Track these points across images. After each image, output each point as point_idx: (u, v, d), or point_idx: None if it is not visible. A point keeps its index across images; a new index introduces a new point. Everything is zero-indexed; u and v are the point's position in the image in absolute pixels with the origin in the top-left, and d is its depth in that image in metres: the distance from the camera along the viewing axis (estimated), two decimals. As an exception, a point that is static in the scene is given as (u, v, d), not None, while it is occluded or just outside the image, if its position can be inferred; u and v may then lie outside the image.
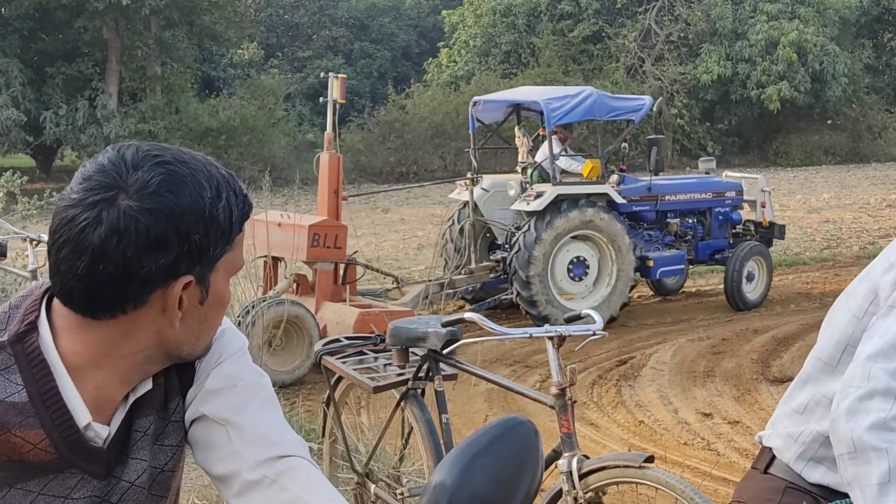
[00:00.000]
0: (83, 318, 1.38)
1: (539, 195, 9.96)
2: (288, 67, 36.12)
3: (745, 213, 11.73)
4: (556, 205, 9.97)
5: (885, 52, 34.52)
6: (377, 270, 10.55)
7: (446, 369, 3.88)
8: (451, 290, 10.32)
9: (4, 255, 6.16)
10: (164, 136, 23.34)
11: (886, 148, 31.17)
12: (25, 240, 6.51)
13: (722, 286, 11.21)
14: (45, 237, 6.36)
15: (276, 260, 9.41)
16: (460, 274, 10.58)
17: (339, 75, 10.09)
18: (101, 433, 1.43)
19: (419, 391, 3.95)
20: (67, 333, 1.40)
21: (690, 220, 11.33)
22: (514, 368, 8.82)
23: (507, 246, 10.44)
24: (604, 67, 30.78)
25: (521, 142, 11.35)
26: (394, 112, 28.34)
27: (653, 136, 11.10)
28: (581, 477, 3.21)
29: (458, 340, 3.71)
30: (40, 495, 1.41)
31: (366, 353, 4.23)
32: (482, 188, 10.87)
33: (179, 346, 1.44)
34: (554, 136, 10.53)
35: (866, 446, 1.84)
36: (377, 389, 3.91)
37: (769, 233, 11.55)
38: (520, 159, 11.28)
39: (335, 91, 9.77)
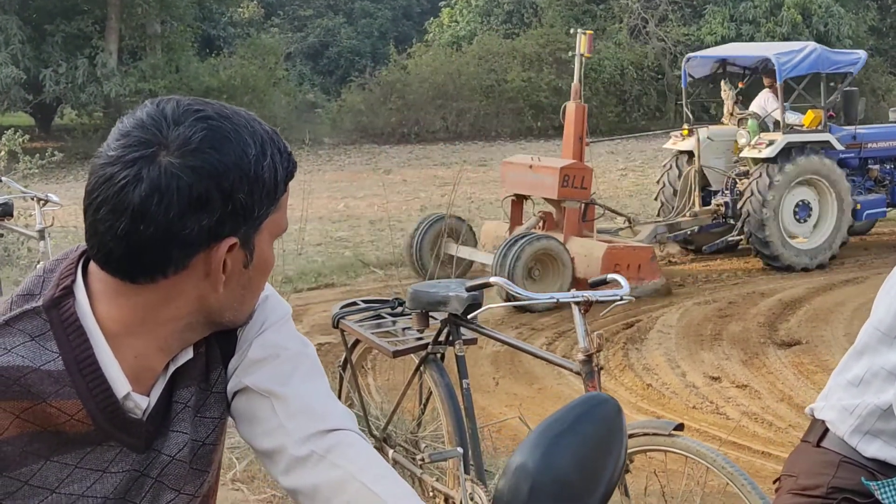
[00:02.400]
0: (122, 283, 1.31)
1: (770, 143, 10.95)
2: (288, 26, 35.87)
3: None
4: (785, 152, 10.93)
5: (890, 14, 34.24)
6: (613, 211, 11.58)
7: (467, 334, 3.83)
8: (677, 232, 11.33)
9: (11, 215, 6.09)
10: (164, 96, 23.17)
11: (889, 110, 31.03)
12: (32, 199, 6.42)
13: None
14: (53, 197, 6.35)
15: (520, 199, 10.72)
16: (685, 216, 11.49)
17: (587, 31, 10.98)
18: (141, 404, 1.37)
19: (439, 356, 3.89)
20: (105, 299, 1.33)
21: (888, 166, 12.19)
22: (520, 331, 8.78)
23: (725, 191, 11.53)
24: (607, 28, 30.53)
25: (727, 95, 12.47)
26: (395, 72, 28.18)
27: (848, 89, 11.94)
28: (607, 444, 3.17)
29: (480, 305, 3.66)
30: (77, 468, 1.34)
31: (383, 317, 4.18)
32: (708, 137, 11.80)
33: (222, 312, 1.38)
34: (770, 89, 12.00)
35: None
36: (397, 354, 3.86)
37: None
38: (726, 111, 12.46)
39: (582, 46, 10.64)
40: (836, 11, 29.32)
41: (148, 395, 1.38)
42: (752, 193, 10.86)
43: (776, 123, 11.54)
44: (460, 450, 3.53)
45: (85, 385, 1.31)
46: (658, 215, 12.07)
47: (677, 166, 12.04)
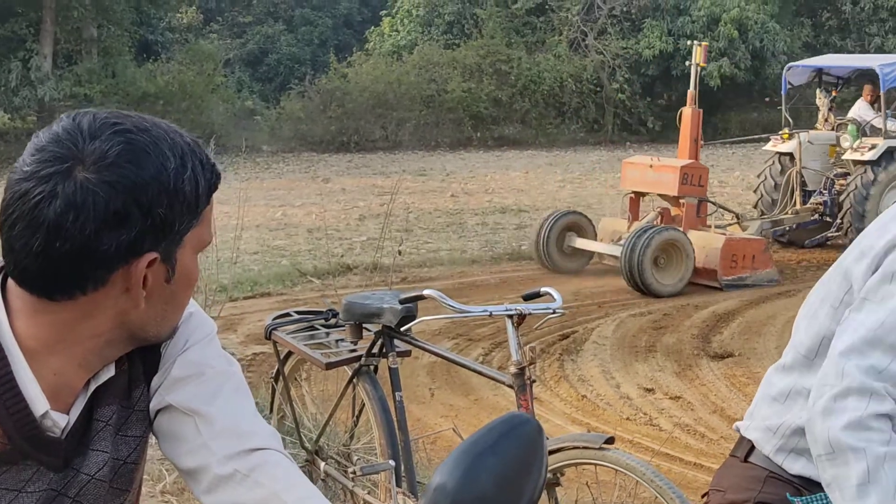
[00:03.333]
0: (39, 300, 1.28)
1: (872, 147, 12.00)
2: (227, 33, 35.62)
3: None
4: (886, 155, 11.96)
5: (824, 31, 34.90)
6: (723, 207, 12.40)
7: (400, 346, 3.82)
8: (778, 228, 12.42)
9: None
10: (99, 101, 22.89)
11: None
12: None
13: None
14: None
15: (638, 195, 11.63)
16: (786, 213, 12.55)
17: (702, 43, 12.04)
18: (60, 422, 1.33)
19: (372, 368, 3.88)
20: (23, 316, 1.30)
21: None
22: (456, 342, 8.78)
23: (823, 191, 12.55)
24: (546, 40, 30.77)
25: (822, 102, 13.55)
26: (335, 80, 28.12)
27: None
28: (538, 457, 3.18)
29: (415, 318, 3.65)
30: None
31: (317, 329, 4.15)
32: (809, 141, 12.78)
33: (144, 327, 1.35)
34: (869, 96, 13.05)
35: (844, 447, 1.80)
36: (330, 366, 3.84)
37: None
38: (821, 117, 13.45)
39: (698, 56, 11.66)
40: (772, 28, 29.82)
41: (67, 414, 1.35)
42: (855, 192, 11.95)
43: (873, 129, 12.62)
44: (392, 462, 3.52)
45: (1, 403, 1.28)
46: (758, 211, 13.11)
47: (780, 164, 13.05)
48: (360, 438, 4.29)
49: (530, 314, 3.35)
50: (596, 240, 11.55)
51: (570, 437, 3.27)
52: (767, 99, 32.03)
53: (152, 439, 1.47)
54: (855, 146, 12.21)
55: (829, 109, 13.43)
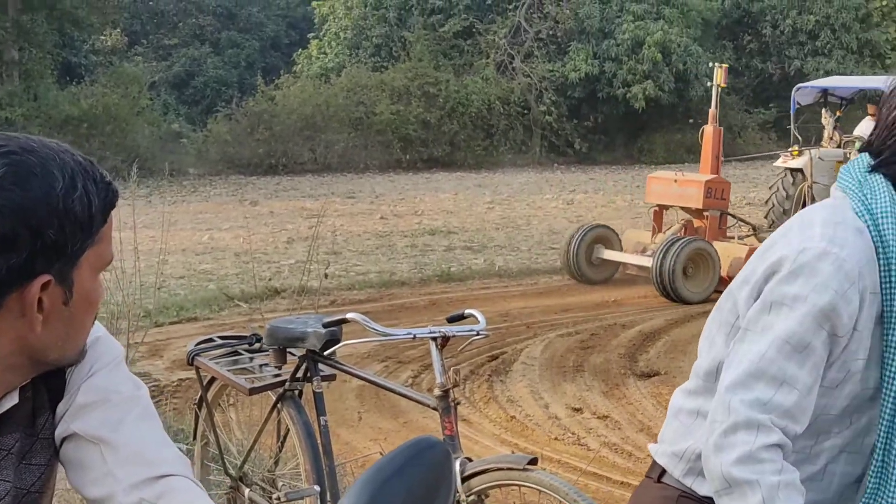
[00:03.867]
0: None
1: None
2: (153, 55, 35.27)
3: None
4: None
5: (745, 54, 35.64)
6: (742, 220, 13.03)
7: (325, 370, 3.79)
8: None
9: None
10: (21, 124, 22.48)
11: (745, 147, 32.10)
12: None
13: None
14: None
15: (661, 209, 12.31)
16: None
17: (723, 65, 12.57)
18: None
19: (297, 392, 3.84)
20: None
21: None
22: (386, 364, 8.75)
23: None
24: (474, 63, 30.97)
25: (827, 121, 14.21)
26: (262, 103, 27.99)
27: None
28: (464, 480, 3.17)
29: (339, 341, 3.62)
30: None
31: (241, 354, 4.11)
32: (819, 157, 13.36)
33: (45, 351, 1.32)
34: (873, 115, 13.30)
35: (738, 481, 1.83)
36: (253, 391, 3.80)
37: None
38: (826, 135, 14.16)
39: (719, 77, 12.21)
40: (695, 51, 30.37)
41: None
42: None
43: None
44: (317, 488, 3.48)
45: None
46: (768, 222, 13.73)
47: (792, 178, 13.74)
48: (287, 463, 4.24)
49: (454, 336, 3.34)
50: (621, 251, 12.15)
51: (494, 458, 3.27)
52: (691, 120, 32.58)
53: (61, 468, 1.44)
54: None
55: (834, 128, 14.20)
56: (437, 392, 3.25)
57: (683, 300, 10.97)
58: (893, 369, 1.94)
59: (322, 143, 27.33)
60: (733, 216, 12.67)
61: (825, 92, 14.42)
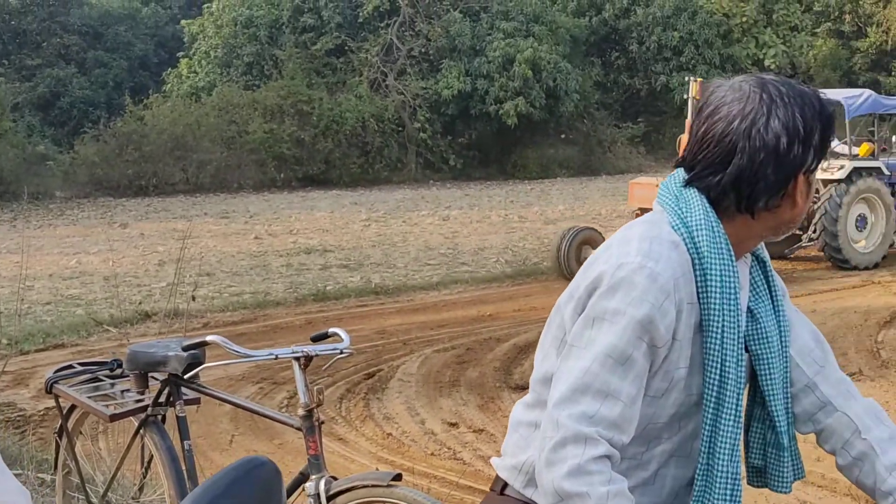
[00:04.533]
0: None
1: (841, 167, 13.78)
2: (15, 76, 34.25)
3: None
4: (853, 174, 13.81)
5: (613, 70, 36.46)
6: None
7: (188, 394, 3.73)
8: None
9: None
10: None
11: (615, 161, 32.88)
12: None
13: None
14: None
15: (642, 211, 12.05)
16: None
17: (698, 79, 13.68)
18: None
19: (160, 417, 3.77)
20: None
21: None
22: (261, 386, 8.65)
23: None
24: (347, 81, 30.97)
25: None
26: (131, 123, 27.45)
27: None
28: (329, 499, 3.15)
29: (200, 364, 3.57)
30: None
31: (102, 380, 4.01)
32: None
33: None
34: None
35: (569, 494, 1.88)
36: (114, 417, 3.71)
37: None
38: None
39: (694, 90, 13.31)
40: (564, 67, 30.91)
41: None
42: (828, 205, 13.75)
43: (833, 153, 14.35)
44: (182, 514, 3.42)
45: None
46: None
47: None
48: (156, 490, 4.16)
49: (317, 355, 3.33)
50: None
51: (358, 476, 3.26)
52: (563, 135, 33.20)
53: None
54: (825, 168, 13.75)
55: None
56: (300, 412, 3.22)
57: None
58: (713, 375, 2.01)
59: (194, 163, 26.93)
60: None
61: None
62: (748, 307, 2.14)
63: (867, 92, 14.75)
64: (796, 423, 2.27)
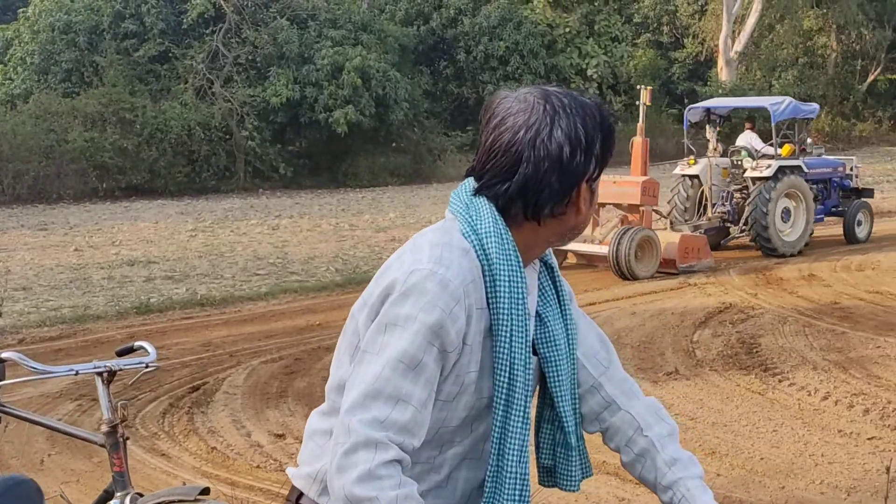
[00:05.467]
0: None
1: (769, 166, 15.34)
2: None
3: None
4: (779, 172, 15.39)
5: (442, 79, 36.83)
6: (661, 214, 15.75)
7: (-14, 413, 3.56)
8: (700, 231, 15.42)
9: None
10: None
11: (445, 169, 33.17)
12: None
13: None
14: None
15: (599, 206, 13.74)
16: (701, 221, 15.97)
17: (648, 87, 15.55)
18: None
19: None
20: None
21: (820, 186, 16.76)
22: (80, 403, 8.36)
23: (725, 203, 16.07)
24: (172, 88, 30.31)
25: (711, 135, 16.85)
26: (-60, 132, 26.16)
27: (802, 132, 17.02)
28: (137, 516, 3.07)
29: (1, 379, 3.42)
30: None
31: None
32: (716, 164, 16.20)
33: None
34: (751, 129, 17.21)
35: (359, 499, 1.91)
36: None
37: (861, 193, 17.41)
38: (710, 147, 16.75)
39: (645, 97, 14.95)
40: (393, 76, 31.03)
41: None
42: (758, 200, 15.18)
43: (758, 154, 16.23)
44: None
45: None
46: (668, 220, 16.15)
47: (690, 182, 16.38)
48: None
49: (121, 370, 3.23)
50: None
51: (164, 492, 3.18)
52: (394, 144, 33.31)
53: None
54: (754, 166, 15.63)
55: (717, 140, 16.94)
56: (103, 428, 3.12)
57: (636, 277, 13.38)
58: (502, 379, 2.06)
59: (10, 174, 25.86)
60: (657, 212, 15.22)
61: (708, 111, 17.06)
62: (537, 312, 2.20)
63: (788, 99, 16.53)
64: (584, 422, 2.34)
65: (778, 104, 16.05)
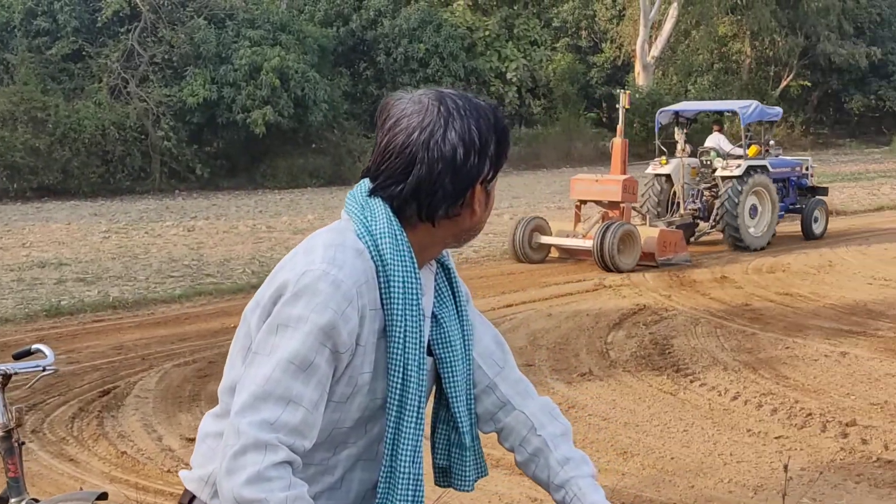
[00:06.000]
0: None
1: (738, 166, 16.45)
2: None
3: None
4: (748, 171, 16.52)
5: (362, 81, 36.73)
6: (638, 211, 16.38)
7: None
8: (674, 227, 16.20)
9: None
10: None
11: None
12: None
13: None
14: None
15: (581, 203, 15.47)
16: (674, 217, 16.96)
17: (627, 91, 17.79)
18: None
19: None
20: None
21: (779, 184, 17.73)
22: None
23: (696, 200, 17.14)
24: (86, 87, 29.77)
25: (680, 137, 17.76)
26: None
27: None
28: (31, 523, 3.00)
29: None
30: None
31: None
32: (688, 164, 17.20)
33: None
34: (719, 131, 18.34)
35: (248, 500, 1.89)
36: None
37: (817, 191, 18.71)
38: (679, 148, 17.65)
39: (624, 101, 15.97)
40: (312, 77, 30.87)
41: None
42: (728, 198, 16.25)
43: (728, 154, 17.31)
44: None
45: None
46: (645, 220, 16.48)
47: (661, 181, 17.37)
48: None
49: (16, 374, 3.15)
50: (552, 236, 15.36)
51: (61, 497, 3.12)
52: (314, 145, 33.10)
53: None
54: (724, 165, 16.73)
55: (685, 142, 17.75)
56: (-1, 433, 3.05)
57: (619, 270, 14.12)
58: (396, 379, 2.06)
59: None
60: (635, 208, 16.04)
61: (677, 114, 18.06)
62: (433, 313, 2.19)
63: (755, 103, 17.65)
64: (479, 422, 2.35)
65: (746, 107, 17.22)
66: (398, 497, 2.08)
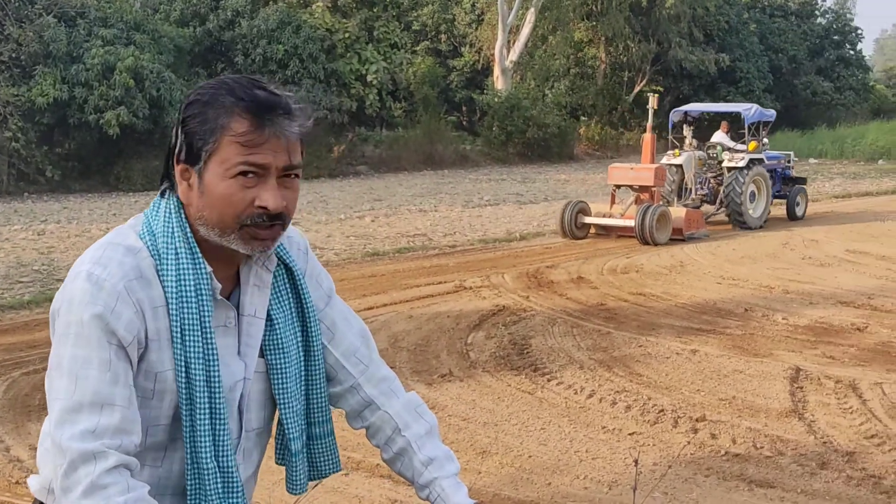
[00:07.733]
0: None
1: (742, 159, 19.87)
2: None
3: None
4: (750, 163, 19.92)
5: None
6: (661, 196, 18.96)
7: None
8: (692, 207, 19.32)
9: None
10: None
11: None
12: None
13: None
14: None
15: (617, 188, 18.66)
16: (687, 201, 20.24)
17: (655, 94, 20.74)
18: None
19: None
20: None
21: (769, 175, 20.78)
22: None
23: (703, 187, 20.54)
24: (-73, 86, 28.48)
25: (688, 133, 21.29)
26: None
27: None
28: None
29: None
30: None
31: None
32: (699, 157, 20.66)
33: None
34: (724, 129, 21.44)
35: None
36: None
37: (797, 181, 22.35)
38: (687, 143, 21.10)
39: (653, 102, 19.65)
40: (168, 77, 30.22)
41: None
42: (733, 186, 19.67)
43: (730, 149, 20.56)
44: None
45: None
46: (666, 201, 19.62)
47: (674, 171, 20.58)
48: None
49: None
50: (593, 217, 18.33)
51: None
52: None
53: None
54: (730, 158, 20.04)
55: (693, 137, 21.24)
56: None
57: (657, 243, 17.10)
58: (180, 376, 2.06)
59: None
60: (660, 195, 18.77)
61: (686, 113, 21.43)
62: (269, 314, 2.20)
63: (755, 106, 21.26)
64: (348, 418, 2.39)
65: (748, 109, 20.86)
66: (209, 491, 2.08)
